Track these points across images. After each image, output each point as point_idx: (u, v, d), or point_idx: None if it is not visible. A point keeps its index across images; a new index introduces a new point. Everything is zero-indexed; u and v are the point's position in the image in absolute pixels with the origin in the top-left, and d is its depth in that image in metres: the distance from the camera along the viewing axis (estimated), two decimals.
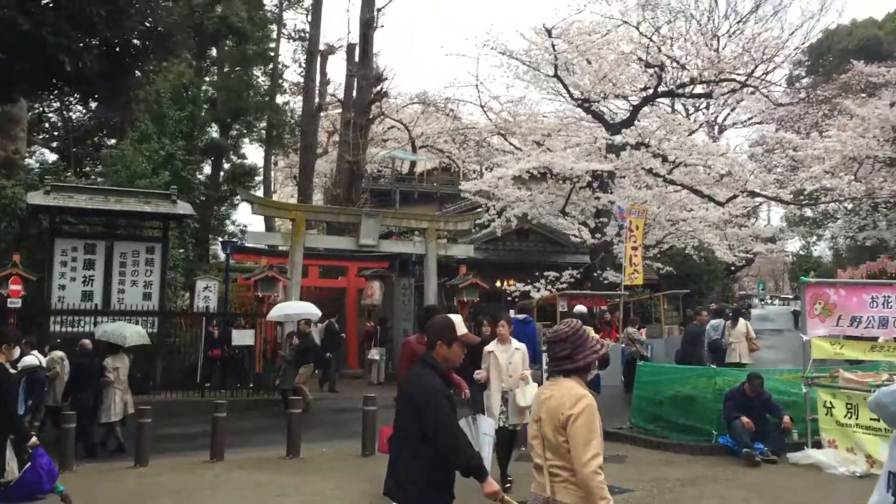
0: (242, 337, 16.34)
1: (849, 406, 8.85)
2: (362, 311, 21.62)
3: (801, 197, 26.57)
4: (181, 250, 20.44)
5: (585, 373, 3.53)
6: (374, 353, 18.96)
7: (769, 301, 75.18)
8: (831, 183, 22.64)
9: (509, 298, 20.83)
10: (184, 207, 16.81)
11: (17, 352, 6.89)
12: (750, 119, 39.08)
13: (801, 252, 54.65)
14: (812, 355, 9.24)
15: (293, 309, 15.33)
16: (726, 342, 13.95)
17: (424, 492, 3.78)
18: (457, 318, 4.15)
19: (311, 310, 15.26)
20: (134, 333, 12.16)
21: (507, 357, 7.65)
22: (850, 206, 37.98)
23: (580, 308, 15.69)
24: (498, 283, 23.34)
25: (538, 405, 3.53)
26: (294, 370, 14.47)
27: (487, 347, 8.08)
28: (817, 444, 9.15)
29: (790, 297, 71.56)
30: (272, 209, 20.11)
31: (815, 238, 50.64)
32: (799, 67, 44.50)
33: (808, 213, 43.67)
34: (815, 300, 9.22)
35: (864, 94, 33.44)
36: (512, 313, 17.31)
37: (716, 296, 35.41)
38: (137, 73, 7.51)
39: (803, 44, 31.16)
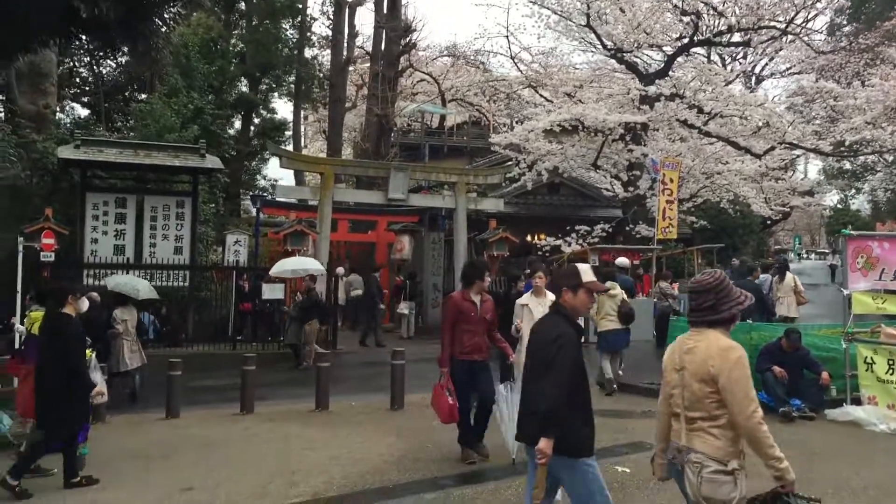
0: (273, 291, 16.36)
1: (890, 362, 8.61)
2: (392, 266, 21.61)
3: (842, 149, 25.85)
4: (212, 205, 20.49)
5: (730, 324, 3.52)
6: (404, 307, 18.96)
7: (805, 255, 74.06)
8: (872, 134, 21.91)
9: (540, 253, 20.65)
10: (213, 161, 16.78)
11: (84, 304, 6.86)
12: (789, 69, 37.99)
13: (839, 206, 53.61)
14: (853, 310, 8.99)
15: (292, 265, 15.27)
16: (774, 296, 14.08)
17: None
18: (584, 267, 4.19)
19: (313, 265, 15.21)
20: (146, 287, 12.30)
21: (543, 310, 7.48)
22: (890, 159, 37.10)
23: (623, 260, 15.81)
24: (529, 238, 23.13)
25: (681, 354, 3.53)
26: (299, 326, 14.61)
27: (521, 300, 7.94)
28: (856, 401, 8.94)
29: (827, 251, 70.49)
30: (301, 163, 20.02)
31: (853, 191, 49.65)
32: (840, 15, 43.08)
33: (847, 165, 42.70)
34: (858, 254, 8.94)
35: None
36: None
37: (751, 250, 34.95)
38: (157, 20, 7.37)
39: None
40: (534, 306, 7.50)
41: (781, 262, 15.75)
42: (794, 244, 72.14)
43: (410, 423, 8.85)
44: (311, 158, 24.06)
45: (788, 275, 14.30)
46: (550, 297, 7.59)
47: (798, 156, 32.45)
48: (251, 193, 26.75)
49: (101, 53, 22.78)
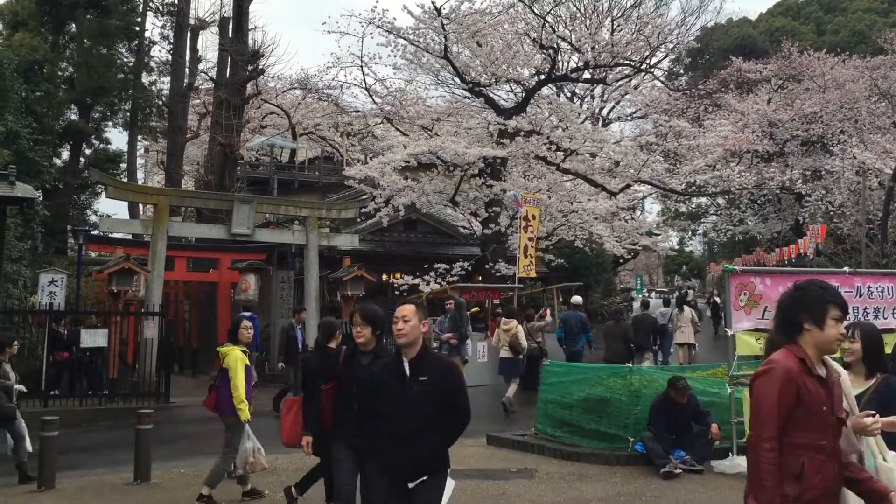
0: (93, 337, 14.33)
1: None
2: (236, 307, 19.84)
3: (692, 187, 26.56)
4: (28, 241, 18.14)
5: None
6: None
7: (647, 294, 77.19)
8: (723, 173, 22.57)
9: (397, 292, 19.58)
10: (25, 190, 14.56)
11: None
12: (634, 113, 39.34)
13: (676, 247, 56.09)
14: (738, 351, 8.38)
15: None
16: (674, 326, 16.88)
17: None
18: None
19: None
20: None
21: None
22: (721, 202, 39.03)
23: (577, 298, 17.50)
24: (385, 276, 22.03)
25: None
26: None
27: None
28: (743, 450, 8.30)
29: (665, 290, 73.81)
30: (131, 193, 18.00)
31: (689, 233, 52.10)
32: (678, 65, 45.42)
33: (683, 208, 44.75)
34: (740, 291, 8.37)
35: (740, 91, 34.19)
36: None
37: (601, 288, 35.47)
38: None
39: (686, 40, 31.38)
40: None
41: (681, 297, 19.48)
42: (637, 283, 75.13)
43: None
44: (142, 188, 21.95)
45: (686, 308, 17.32)
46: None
47: (644, 196, 33.30)
48: (70, 227, 24.24)
49: None
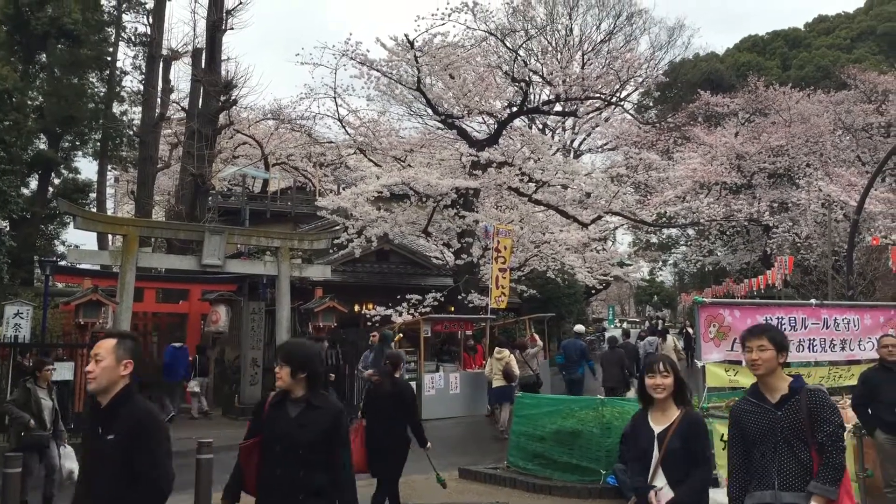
0: (59, 370, 14.04)
1: None
2: (206, 339, 19.62)
3: (662, 219, 26.84)
4: None
5: None
6: (194, 385, 17.34)
7: (618, 325, 77.70)
8: (692, 205, 22.89)
9: (369, 323, 19.48)
10: None
11: None
12: (605, 145, 39.84)
13: (647, 277, 56.72)
14: (707, 383, 8.42)
15: None
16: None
17: None
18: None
19: None
20: None
21: None
22: (691, 233, 39.54)
23: (579, 327, 19.12)
24: (357, 307, 21.91)
25: None
26: None
27: None
28: (713, 482, 8.31)
29: (636, 320, 74.28)
30: (100, 224, 17.79)
31: (660, 264, 52.64)
32: (647, 98, 46.16)
33: (654, 239, 45.25)
34: (710, 322, 8.43)
35: (708, 124, 34.82)
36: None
37: (573, 319, 35.58)
38: None
39: (656, 73, 31.92)
40: None
41: (663, 329, 20.78)
42: (609, 313, 75.54)
43: None
44: (111, 218, 21.70)
45: (669, 337, 18.99)
46: None
47: (616, 227, 33.63)
48: (38, 258, 23.89)
49: None
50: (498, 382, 13.85)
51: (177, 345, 17.51)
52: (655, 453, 4.21)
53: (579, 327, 18.86)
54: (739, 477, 4.13)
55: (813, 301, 9.64)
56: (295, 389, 3.84)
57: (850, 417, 7.49)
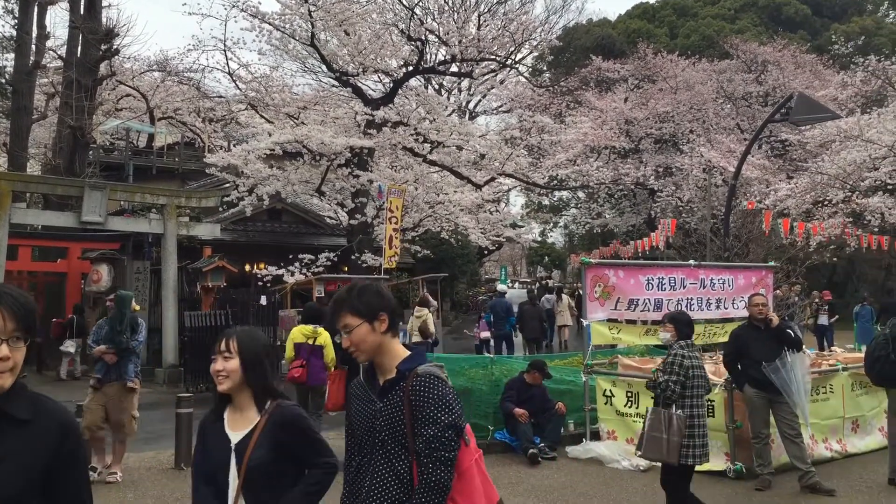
0: None
1: (629, 394, 8.45)
2: (86, 299, 18.83)
3: (553, 181, 27.40)
4: None
5: None
6: (69, 346, 16.65)
7: (511, 284, 79.28)
8: (583, 168, 23.48)
9: (260, 283, 19.15)
10: None
11: None
12: (500, 107, 40.19)
13: (538, 239, 58.03)
14: (592, 341, 8.75)
15: None
16: (555, 311, 21.01)
17: None
18: None
19: None
20: None
21: None
22: (582, 196, 40.61)
23: (502, 287, 22.34)
24: (248, 267, 21.49)
25: None
26: None
27: None
28: (595, 435, 8.69)
29: (528, 280, 75.97)
30: None
31: (551, 225, 53.87)
32: (541, 62, 46.71)
33: (546, 201, 46.23)
34: (596, 283, 8.73)
35: (600, 89, 35.63)
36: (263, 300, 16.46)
37: (466, 279, 36.09)
38: None
39: (550, 37, 32.26)
40: None
41: (559, 287, 23.31)
42: (502, 274, 76.99)
43: None
44: None
45: (564, 296, 21.84)
46: None
47: (509, 189, 34.12)
48: None
49: None
50: (416, 339, 14.70)
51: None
52: (233, 472, 2.88)
53: (502, 287, 20.83)
54: (345, 485, 2.81)
55: (692, 262, 10.11)
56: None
57: (722, 373, 7.94)
